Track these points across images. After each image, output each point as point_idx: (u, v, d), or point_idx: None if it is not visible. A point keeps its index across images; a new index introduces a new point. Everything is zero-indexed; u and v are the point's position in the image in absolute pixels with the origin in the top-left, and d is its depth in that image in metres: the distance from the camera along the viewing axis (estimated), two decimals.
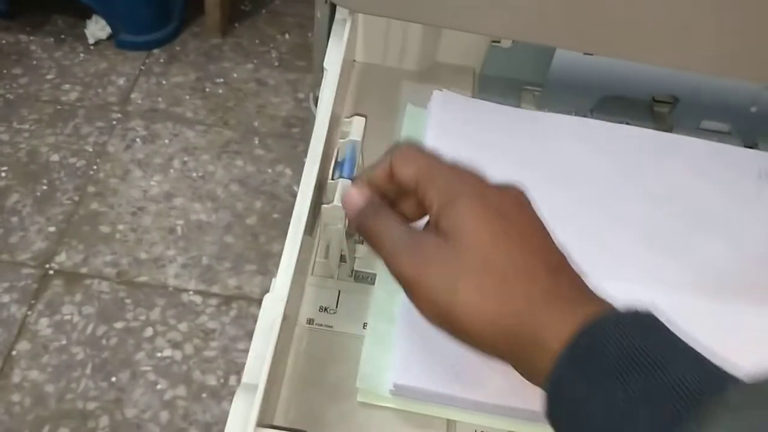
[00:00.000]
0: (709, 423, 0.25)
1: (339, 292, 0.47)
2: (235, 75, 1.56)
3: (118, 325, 1.13)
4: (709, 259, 0.48)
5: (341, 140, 0.46)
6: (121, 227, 1.26)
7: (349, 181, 0.43)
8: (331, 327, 0.45)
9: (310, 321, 0.45)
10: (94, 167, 1.36)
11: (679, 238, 0.49)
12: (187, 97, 1.51)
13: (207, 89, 1.53)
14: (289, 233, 0.42)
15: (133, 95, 1.51)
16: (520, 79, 0.61)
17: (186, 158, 1.39)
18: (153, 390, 1.06)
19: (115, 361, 1.09)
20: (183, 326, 1.14)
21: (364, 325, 0.45)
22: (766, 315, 0.45)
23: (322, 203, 0.43)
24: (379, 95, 0.60)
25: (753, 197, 0.51)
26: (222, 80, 1.55)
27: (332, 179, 0.44)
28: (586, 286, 0.33)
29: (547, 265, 0.33)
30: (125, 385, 1.07)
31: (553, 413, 0.31)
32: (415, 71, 0.62)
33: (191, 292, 1.18)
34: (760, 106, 0.57)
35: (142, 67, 1.57)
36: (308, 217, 0.42)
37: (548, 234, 0.35)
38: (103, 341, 1.11)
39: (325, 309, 0.46)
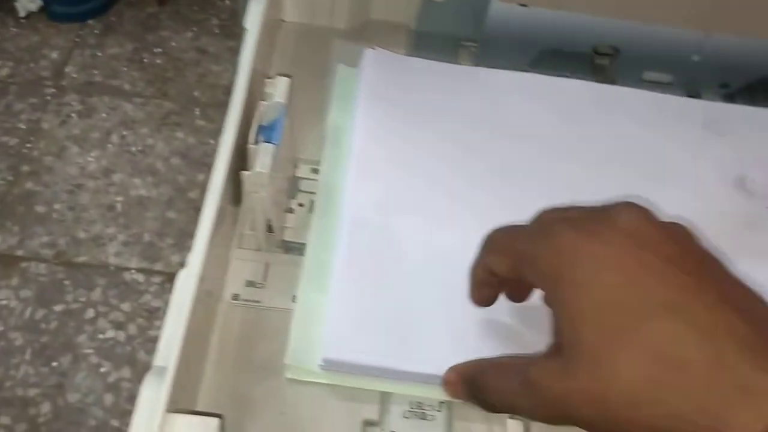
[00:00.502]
0: None
1: (267, 264, 0.44)
2: (174, 44, 1.51)
3: (58, 307, 1.09)
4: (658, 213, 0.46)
5: (264, 102, 0.43)
6: (57, 206, 1.21)
7: (273, 146, 0.40)
8: (259, 302, 0.43)
9: (235, 297, 0.43)
10: (28, 145, 1.30)
11: (626, 192, 0.47)
12: (124, 68, 1.45)
13: (145, 60, 1.47)
14: (204, 204, 0.39)
15: (67, 69, 1.44)
16: (456, 34, 0.58)
17: (124, 132, 1.34)
18: (96, 373, 1.03)
19: (56, 345, 1.05)
20: (126, 306, 1.10)
21: (294, 299, 0.43)
22: None
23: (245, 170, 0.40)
24: (309, 56, 0.57)
25: (698, 148, 0.50)
26: (160, 50, 1.49)
27: (254, 144, 0.41)
28: None
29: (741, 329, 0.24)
30: (67, 369, 1.03)
31: None
32: (346, 30, 0.59)
33: (133, 271, 1.14)
34: (702, 55, 0.55)
35: (77, 40, 1.50)
36: (225, 185, 0.39)
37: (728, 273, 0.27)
38: (43, 325, 1.07)
39: (252, 283, 0.43)
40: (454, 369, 0.33)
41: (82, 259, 1.15)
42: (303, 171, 0.49)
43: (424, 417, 0.40)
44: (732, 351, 0.23)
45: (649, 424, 0.23)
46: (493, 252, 0.32)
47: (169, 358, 0.32)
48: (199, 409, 0.38)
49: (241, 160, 0.42)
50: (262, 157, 0.39)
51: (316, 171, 0.49)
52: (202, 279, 0.37)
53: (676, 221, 0.28)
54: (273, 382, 0.40)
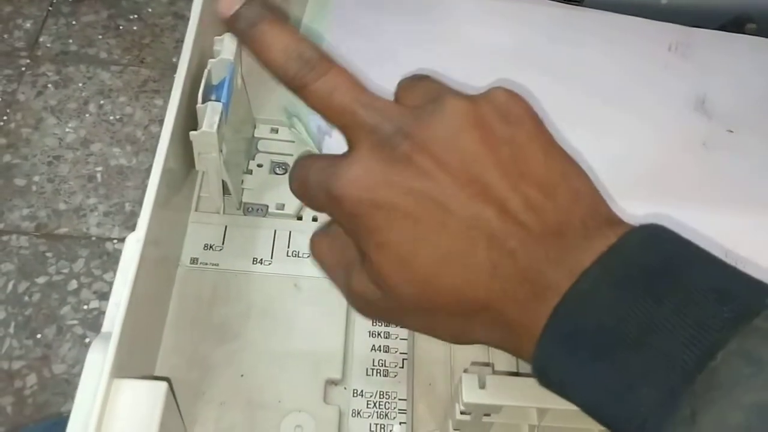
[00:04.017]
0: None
1: (225, 227, 0.43)
2: (150, 9, 1.48)
3: (41, 280, 1.09)
4: (618, 139, 0.45)
5: (212, 60, 0.41)
6: (36, 179, 1.20)
7: (220, 104, 0.39)
8: (217, 265, 0.42)
9: (194, 260, 0.42)
10: (5, 118, 1.28)
11: (588, 114, 0.46)
12: (100, 36, 1.43)
13: (121, 27, 1.45)
14: (153, 166, 0.38)
15: (41, 39, 1.42)
16: None
17: (102, 101, 1.32)
18: (81, 344, 1.03)
19: (40, 318, 1.05)
20: (109, 276, 1.10)
21: (253, 261, 0.42)
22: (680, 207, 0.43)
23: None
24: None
25: (661, 69, 0.49)
26: (136, 16, 1.46)
27: (201, 103, 0.39)
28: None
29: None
30: (51, 341, 1.03)
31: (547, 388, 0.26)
32: None
33: (115, 241, 1.14)
34: None
35: (50, 8, 1.47)
36: (175, 147, 0.38)
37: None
38: (26, 298, 1.07)
39: (211, 246, 0.43)
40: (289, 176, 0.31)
41: (63, 230, 1.14)
42: (262, 131, 0.48)
43: (386, 374, 0.39)
44: (512, 285, 0.24)
45: (472, 343, 0.28)
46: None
47: (114, 323, 0.31)
48: (158, 374, 0.38)
49: (194, 121, 0.41)
50: (210, 116, 0.38)
51: (275, 131, 0.48)
52: (152, 243, 0.36)
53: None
54: (232, 345, 0.39)
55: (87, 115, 1.29)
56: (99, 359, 0.30)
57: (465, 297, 0.25)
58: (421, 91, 0.28)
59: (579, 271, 0.23)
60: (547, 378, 0.24)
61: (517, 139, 0.26)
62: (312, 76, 0.27)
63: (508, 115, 0.26)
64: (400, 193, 0.25)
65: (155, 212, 0.36)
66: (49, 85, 1.34)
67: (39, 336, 1.03)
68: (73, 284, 1.08)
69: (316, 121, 0.44)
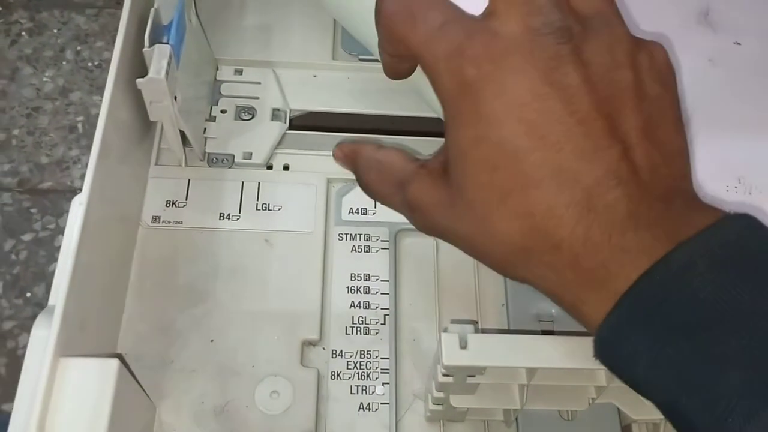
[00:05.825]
0: None
1: (189, 180, 0.40)
2: None
3: (27, 237, 1.06)
4: None
5: None
6: (16, 132, 1.16)
7: (168, 47, 0.36)
8: (181, 222, 0.39)
9: (155, 219, 0.39)
10: None
11: None
12: None
13: None
14: (98, 120, 0.35)
15: None
16: None
17: (79, 47, 1.27)
18: None
19: (28, 276, 1.03)
20: None
21: (220, 216, 0.39)
22: None
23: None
24: None
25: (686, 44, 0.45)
26: None
27: (148, 47, 0.36)
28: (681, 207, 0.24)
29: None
30: (41, 299, 1.01)
31: (604, 361, 0.24)
32: None
33: None
34: None
35: None
36: (118, 97, 0.35)
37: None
38: (13, 256, 1.04)
39: (173, 203, 0.40)
40: (340, 147, 0.32)
41: (47, 184, 1.11)
42: (224, 73, 0.44)
43: (367, 332, 0.37)
44: (601, 232, 0.22)
45: (524, 281, 0.25)
46: (387, 38, 0.27)
47: (58, 296, 0.28)
48: (121, 343, 0.35)
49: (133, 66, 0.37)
50: (157, 60, 0.35)
51: (239, 72, 0.44)
52: (107, 203, 0.34)
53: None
54: (201, 308, 0.37)
55: (64, 63, 1.25)
56: (44, 336, 0.28)
57: (545, 225, 0.23)
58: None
59: (677, 240, 0.22)
60: (613, 349, 0.23)
61: (661, 101, 0.26)
62: None
63: (661, 76, 0.26)
64: (539, 85, 0.23)
65: (102, 171, 0.33)
66: (23, 33, 1.28)
67: (29, 294, 1.01)
68: (60, 239, 1.05)
69: None
